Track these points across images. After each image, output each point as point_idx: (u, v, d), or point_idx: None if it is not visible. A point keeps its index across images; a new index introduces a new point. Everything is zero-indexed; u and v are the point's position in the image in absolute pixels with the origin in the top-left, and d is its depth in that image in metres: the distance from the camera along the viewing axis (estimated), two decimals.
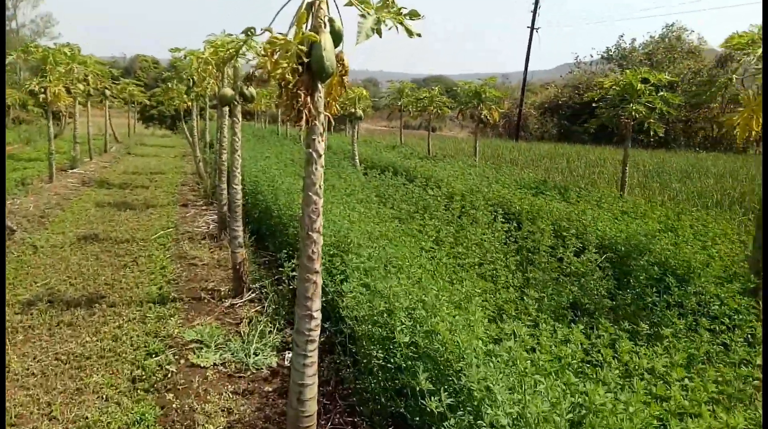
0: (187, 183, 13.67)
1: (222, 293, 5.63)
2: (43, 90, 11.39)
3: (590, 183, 11.91)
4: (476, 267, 4.67)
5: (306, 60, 2.54)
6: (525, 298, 3.87)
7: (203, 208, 10.38)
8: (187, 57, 11.80)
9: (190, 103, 17.56)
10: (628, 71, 9.44)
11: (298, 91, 2.56)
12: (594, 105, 10.65)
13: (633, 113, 9.29)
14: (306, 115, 2.58)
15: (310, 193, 2.73)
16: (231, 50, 5.05)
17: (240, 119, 5.43)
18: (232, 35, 5.36)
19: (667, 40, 36.48)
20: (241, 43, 3.97)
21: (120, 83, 24.57)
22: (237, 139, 5.44)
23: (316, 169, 2.71)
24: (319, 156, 2.72)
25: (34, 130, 24.62)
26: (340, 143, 20.06)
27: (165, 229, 8.36)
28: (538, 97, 43.77)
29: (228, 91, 5.32)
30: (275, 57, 2.55)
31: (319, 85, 2.66)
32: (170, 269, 6.44)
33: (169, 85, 12.07)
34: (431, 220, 6.49)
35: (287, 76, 2.55)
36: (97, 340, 4.51)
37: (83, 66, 14.65)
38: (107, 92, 19.02)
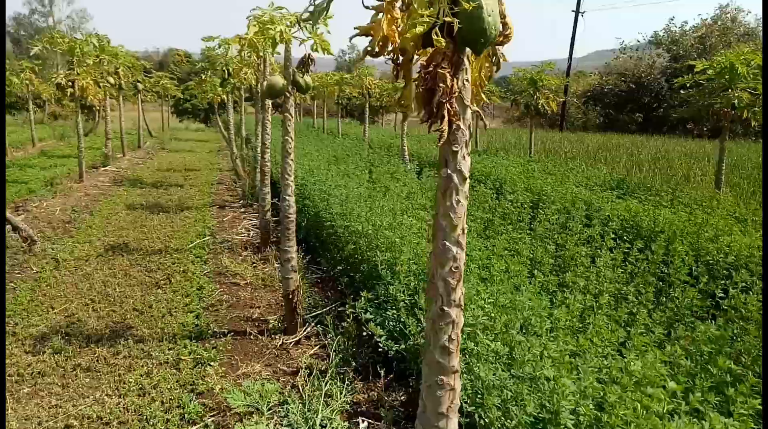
0: (223, 181, 12.83)
1: (271, 326, 4.64)
2: (71, 83, 10.64)
3: (674, 181, 10.55)
4: (606, 306, 3.55)
5: (448, 19, 1.46)
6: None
7: (241, 210, 9.47)
8: (221, 46, 10.97)
9: (224, 96, 16.79)
10: (728, 53, 8.08)
11: (439, 71, 1.48)
12: (684, 91, 9.25)
13: (734, 100, 7.95)
14: (448, 110, 1.51)
15: (447, 244, 1.65)
16: (284, 28, 4.04)
17: (293, 115, 4.39)
18: (283, 9, 4.34)
19: (720, 22, 34.15)
20: (310, 15, 2.92)
21: (153, 76, 24.04)
22: (290, 140, 4.41)
23: (457, 201, 1.64)
24: (464, 180, 1.64)
25: (69, 126, 24.27)
26: (380, 136, 18.99)
27: (201, 237, 7.46)
28: (579, 85, 41.82)
29: (277, 79, 4.30)
30: (397, 14, 1.47)
31: (466, 62, 1.58)
32: (208, 290, 5.49)
33: (203, 77, 11.17)
34: (517, 232, 5.39)
35: (411, 45, 1.49)
36: (119, 396, 3.57)
37: (113, 58, 13.95)
38: (140, 86, 18.37)
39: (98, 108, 23.57)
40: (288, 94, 4.19)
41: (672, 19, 34.84)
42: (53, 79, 10.57)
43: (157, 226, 8.26)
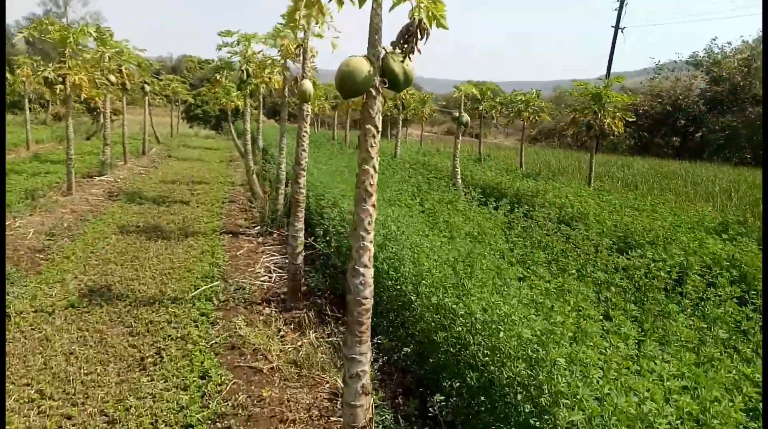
0: (236, 198, 11.07)
1: None
2: (61, 79, 8.96)
3: None
4: None
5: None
6: None
7: (259, 239, 7.70)
8: (240, 43, 9.29)
9: (239, 102, 15.13)
10: None
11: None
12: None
13: None
14: None
15: None
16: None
17: (378, 128, 2.57)
18: None
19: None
20: None
21: (163, 79, 22.52)
22: (369, 187, 2.61)
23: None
24: None
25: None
26: (409, 152, 17.21)
27: (208, 281, 5.68)
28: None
29: (359, 64, 2.51)
30: None
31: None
32: (215, 381, 3.70)
33: (218, 77, 9.47)
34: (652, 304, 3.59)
35: None
36: None
37: (117, 55, 12.33)
38: (147, 87, 16.75)
39: (102, 110, 22.03)
40: (374, 92, 2.40)
41: (714, 39, 33.04)
42: (40, 73, 8.90)
43: (152, 259, 6.49)
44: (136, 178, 12.97)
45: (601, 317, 3.00)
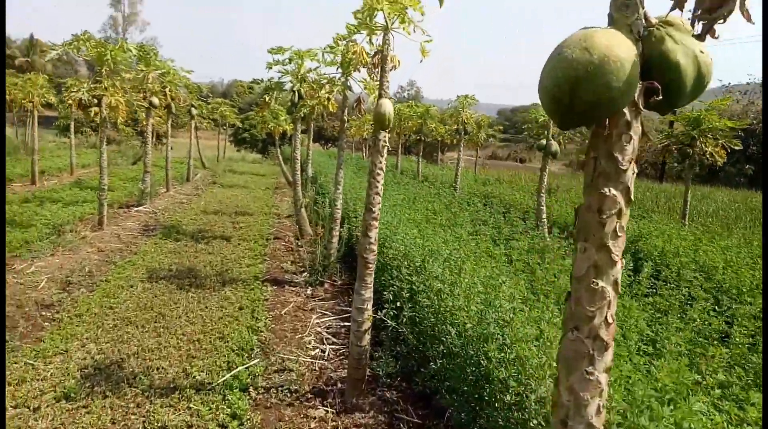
0: (282, 234, 9.90)
1: None
2: (96, 100, 8.06)
3: None
4: None
5: None
6: None
7: (308, 291, 6.43)
8: (293, 61, 8.24)
9: (287, 127, 14.16)
10: None
11: None
12: None
13: None
14: None
15: None
16: None
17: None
18: None
19: None
20: None
21: (211, 102, 22.01)
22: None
23: None
24: None
25: (121, 152, 22.35)
26: (466, 180, 15.78)
27: (244, 357, 4.41)
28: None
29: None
30: None
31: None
32: None
33: (266, 99, 8.38)
34: None
35: None
36: None
37: (162, 76, 11.53)
38: (194, 111, 16.03)
39: (147, 133, 21.62)
40: (629, 113, 1.05)
41: None
42: (71, 91, 8.01)
43: (180, 318, 5.30)
44: (177, 207, 12.04)
45: None
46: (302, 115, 9.04)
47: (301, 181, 9.74)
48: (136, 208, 11.00)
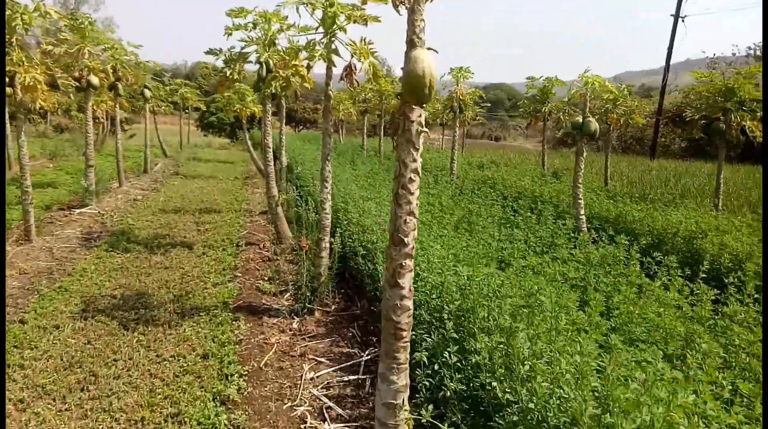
0: (255, 238, 8.33)
1: None
2: (8, 79, 6.29)
3: None
4: None
5: None
6: None
7: (293, 323, 4.93)
8: (258, 25, 6.68)
9: (255, 109, 12.47)
10: None
11: None
12: None
13: None
14: None
15: None
16: None
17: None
18: None
19: None
20: None
21: (170, 83, 20.01)
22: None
23: None
24: None
25: (66, 142, 20.15)
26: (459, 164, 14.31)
27: None
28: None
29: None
30: None
31: None
32: None
33: (227, 74, 6.72)
34: None
35: None
36: None
37: (110, 50, 9.75)
38: (147, 93, 14.13)
39: (101, 120, 19.55)
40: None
41: None
42: None
43: (120, 379, 3.78)
44: (130, 207, 10.31)
45: None
46: (272, 93, 7.44)
47: (275, 172, 8.15)
48: (78, 211, 9.25)
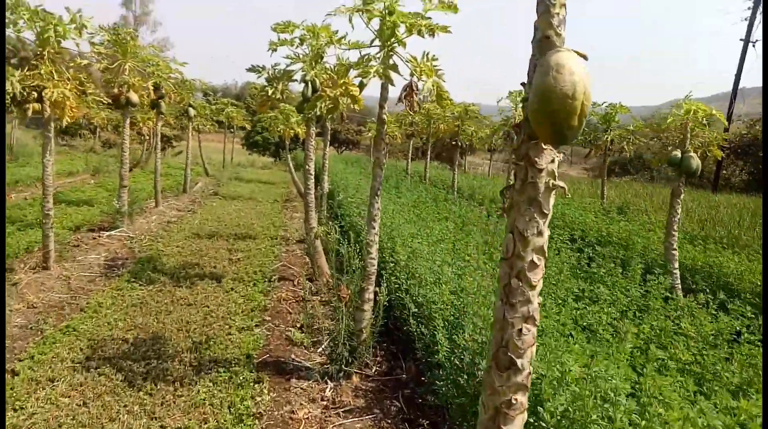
0: (289, 272, 7.60)
1: None
2: (35, 92, 5.81)
3: None
4: None
5: None
6: None
7: (326, 390, 4.10)
8: (305, 41, 6.05)
9: (298, 129, 11.91)
10: None
11: None
12: None
13: None
14: None
15: None
16: None
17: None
18: None
19: None
20: None
21: (216, 102, 19.86)
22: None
23: None
24: None
25: (111, 158, 20.19)
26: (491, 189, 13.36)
27: None
28: (713, 135, 34.52)
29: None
30: None
31: None
32: None
33: (269, 93, 6.08)
34: None
35: None
36: None
37: (153, 67, 9.36)
38: (191, 111, 13.82)
39: (146, 137, 19.51)
40: None
41: None
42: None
43: None
44: (163, 229, 9.79)
45: None
46: (317, 115, 6.77)
47: (315, 199, 7.42)
48: (108, 233, 8.76)
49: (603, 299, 4.15)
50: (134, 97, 8.76)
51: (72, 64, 6.35)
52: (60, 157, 20.42)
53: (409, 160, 18.79)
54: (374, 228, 4.16)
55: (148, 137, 19.54)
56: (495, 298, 3.46)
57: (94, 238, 8.46)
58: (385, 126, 4.24)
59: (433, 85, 3.87)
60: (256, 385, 4.09)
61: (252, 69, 6.54)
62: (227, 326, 5.30)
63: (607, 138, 12.56)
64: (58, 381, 3.99)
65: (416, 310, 4.10)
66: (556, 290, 4.46)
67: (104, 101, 6.95)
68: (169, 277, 6.75)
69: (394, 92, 4.29)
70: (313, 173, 6.97)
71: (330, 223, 8.67)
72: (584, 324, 3.77)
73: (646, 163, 34.90)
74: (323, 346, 4.84)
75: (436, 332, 3.32)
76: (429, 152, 15.65)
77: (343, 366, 4.22)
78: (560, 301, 4.06)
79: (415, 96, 3.85)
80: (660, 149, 11.72)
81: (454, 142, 13.65)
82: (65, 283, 6.20)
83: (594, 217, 9.34)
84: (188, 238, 9.12)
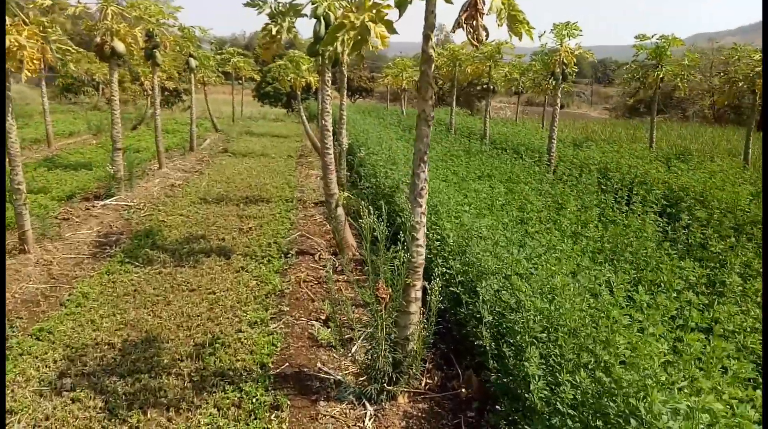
0: (306, 241, 6.59)
1: None
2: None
3: None
4: None
5: None
6: None
7: (367, 416, 3.13)
8: None
9: (310, 78, 10.65)
10: None
11: None
12: None
13: None
14: None
15: None
16: None
17: None
18: None
19: None
20: None
21: (222, 52, 18.51)
22: None
23: None
24: None
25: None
26: (522, 135, 12.07)
27: None
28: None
29: None
30: None
31: None
32: None
33: (273, 31, 4.89)
34: None
35: None
36: None
37: (138, 10, 8.16)
38: (192, 62, 12.58)
39: (147, 91, 18.31)
40: None
41: None
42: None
43: None
44: (166, 195, 8.80)
45: None
46: (333, 59, 5.59)
47: (335, 158, 6.30)
48: (102, 202, 7.79)
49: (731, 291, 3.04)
50: (120, 46, 7.59)
51: (31, 5, 5.18)
52: (62, 116, 19.41)
53: (403, 104, 17.34)
54: (420, 205, 3.07)
55: (152, 92, 18.34)
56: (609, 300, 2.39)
57: (87, 209, 7.51)
58: (433, 65, 3.07)
59: (504, 3, 2.68)
60: (272, 413, 3.14)
61: (250, 3, 5.32)
62: (237, 320, 4.35)
63: (657, 75, 11.12)
64: (16, 414, 3.08)
65: (490, 318, 3.03)
66: (645, 271, 3.35)
67: (72, 50, 5.80)
68: (169, 255, 5.79)
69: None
70: (331, 129, 5.84)
71: (352, 185, 7.59)
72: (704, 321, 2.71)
73: (676, 101, 32.67)
74: (355, 348, 3.87)
75: (525, 363, 2.28)
76: (454, 99, 14.25)
77: (384, 386, 3.23)
78: (655, 289, 2.98)
79: (480, 17, 2.67)
80: (729, 85, 10.27)
81: (482, 85, 12.27)
82: (45, 270, 5.26)
83: (651, 166, 8.08)
84: (193, 205, 8.14)
